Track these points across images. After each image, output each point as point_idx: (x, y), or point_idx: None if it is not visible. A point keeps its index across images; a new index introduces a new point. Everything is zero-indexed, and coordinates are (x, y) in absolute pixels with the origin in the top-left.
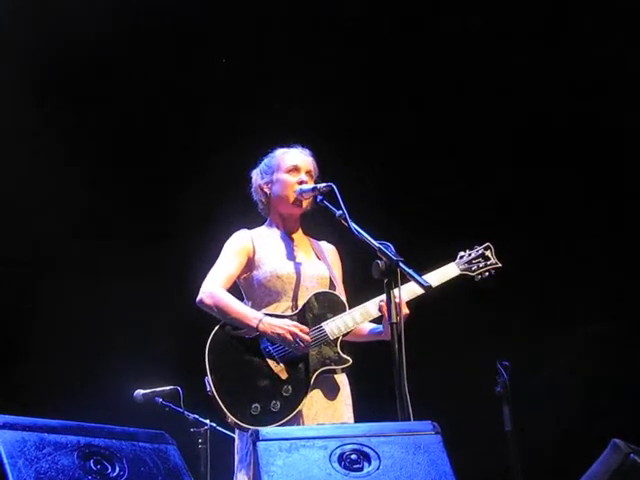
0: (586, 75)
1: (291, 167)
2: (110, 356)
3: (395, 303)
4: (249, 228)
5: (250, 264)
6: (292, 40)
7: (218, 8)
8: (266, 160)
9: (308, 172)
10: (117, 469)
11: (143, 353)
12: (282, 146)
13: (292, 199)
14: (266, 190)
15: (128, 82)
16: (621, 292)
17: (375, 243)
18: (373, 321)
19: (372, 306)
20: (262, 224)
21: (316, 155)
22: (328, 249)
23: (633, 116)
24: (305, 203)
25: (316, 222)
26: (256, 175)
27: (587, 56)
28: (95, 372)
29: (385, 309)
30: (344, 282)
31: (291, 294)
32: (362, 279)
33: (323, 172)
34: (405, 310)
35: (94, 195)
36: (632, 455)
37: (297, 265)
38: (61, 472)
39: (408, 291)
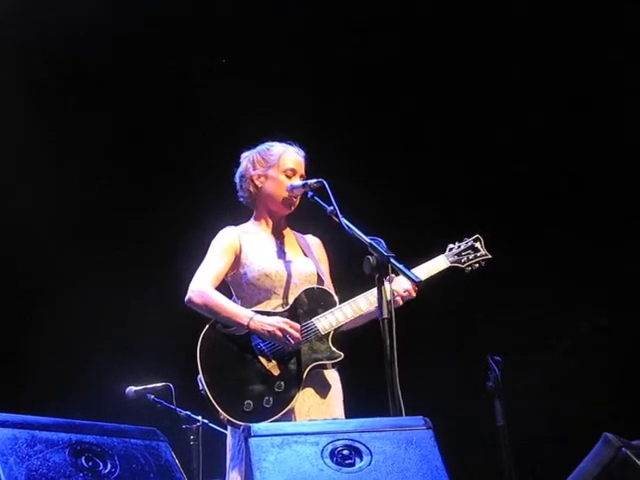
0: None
1: (289, 169)
2: (102, 353)
3: (386, 299)
4: (235, 225)
5: (237, 262)
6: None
7: (216, 8)
8: (261, 150)
9: (301, 176)
10: (109, 466)
11: (135, 350)
12: (279, 140)
13: (283, 200)
14: (257, 183)
15: (121, 81)
16: (619, 288)
17: (366, 239)
18: None
19: (362, 300)
20: (247, 220)
21: (304, 148)
22: (314, 243)
23: None
24: (295, 205)
25: (301, 215)
26: (248, 162)
27: None
28: (87, 369)
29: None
30: (331, 274)
31: (281, 292)
32: (350, 273)
33: (312, 165)
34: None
35: (89, 196)
36: (623, 449)
37: (285, 263)
38: (53, 469)
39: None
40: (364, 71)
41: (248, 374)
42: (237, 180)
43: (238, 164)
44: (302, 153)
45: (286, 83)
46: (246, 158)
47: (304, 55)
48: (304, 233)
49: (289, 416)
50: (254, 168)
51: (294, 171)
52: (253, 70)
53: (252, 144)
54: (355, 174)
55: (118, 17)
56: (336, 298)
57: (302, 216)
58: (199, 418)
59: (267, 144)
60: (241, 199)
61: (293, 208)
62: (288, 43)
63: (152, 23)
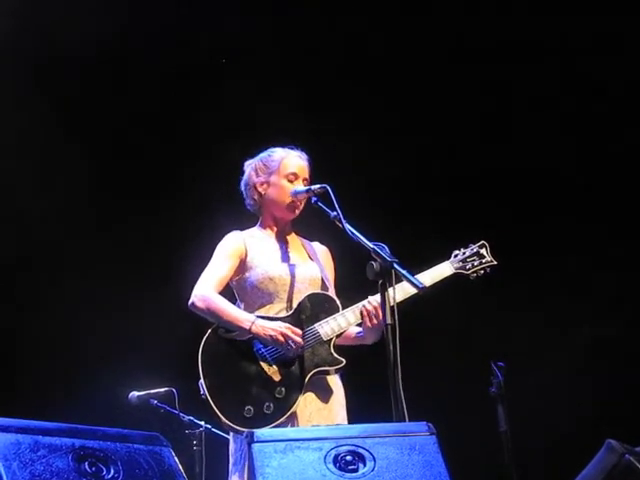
0: None
1: (290, 174)
2: (105, 358)
3: (390, 304)
4: (241, 229)
5: (242, 266)
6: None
7: (215, 11)
8: (263, 157)
9: (305, 180)
10: (112, 471)
11: (138, 354)
12: (282, 145)
13: (287, 205)
14: (260, 190)
15: (122, 82)
16: (621, 294)
17: (369, 244)
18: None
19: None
20: (253, 225)
21: (308, 153)
22: (320, 250)
23: None
24: (299, 209)
25: (307, 223)
26: (251, 170)
27: None
28: (89, 374)
29: (366, 313)
30: (336, 284)
31: (284, 296)
32: (355, 280)
33: (316, 170)
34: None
35: (90, 198)
36: (627, 455)
37: (289, 267)
38: (56, 474)
39: (400, 291)
40: (364, 72)
41: (249, 379)
42: (242, 188)
43: (242, 172)
44: (305, 157)
45: (287, 84)
46: (249, 166)
47: (304, 55)
48: (311, 240)
49: (291, 421)
50: (257, 175)
51: (296, 175)
52: (254, 71)
53: (254, 144)
54: (358, 179)
55: (118, 17)
56: (339, 304)
57: (308, 222)
58: (202, 423)
59: (269, 150)
60: (248, 207)
61: (297, 212)
62: (288, 44)
63: (152, 23)
